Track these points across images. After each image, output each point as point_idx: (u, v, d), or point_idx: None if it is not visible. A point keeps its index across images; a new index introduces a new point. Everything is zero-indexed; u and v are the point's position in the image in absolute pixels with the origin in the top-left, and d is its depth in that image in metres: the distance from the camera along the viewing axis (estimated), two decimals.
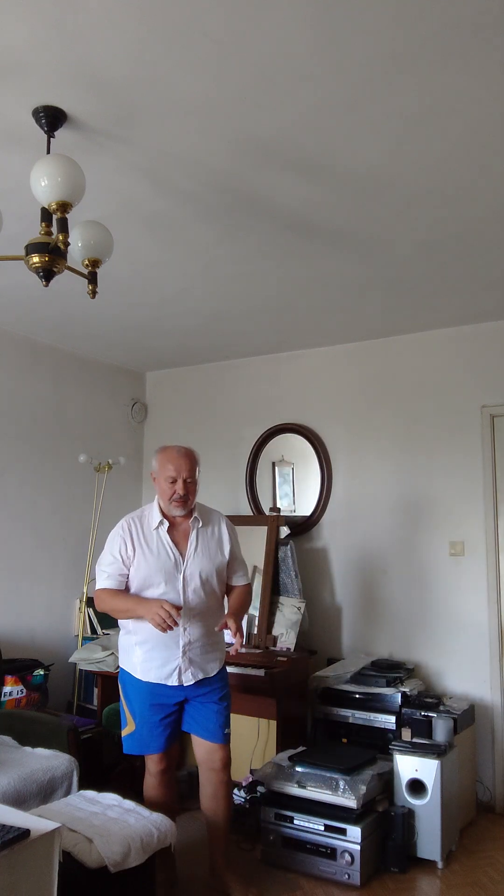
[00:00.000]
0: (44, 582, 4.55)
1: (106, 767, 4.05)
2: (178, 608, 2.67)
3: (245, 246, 3.18)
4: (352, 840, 3.08)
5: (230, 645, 2.92)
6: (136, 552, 2.85)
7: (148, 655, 2.86)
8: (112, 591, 2.85)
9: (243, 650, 3.96)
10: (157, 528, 2.89)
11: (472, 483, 4.13)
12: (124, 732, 2.96)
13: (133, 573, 2.85)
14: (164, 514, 2.91)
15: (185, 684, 2.84)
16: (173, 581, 2.84)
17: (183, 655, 2.84)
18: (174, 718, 2.91)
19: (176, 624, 2.65)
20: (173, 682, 2.84)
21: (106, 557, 2.90)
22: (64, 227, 2.11)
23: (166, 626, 2.62)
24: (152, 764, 2.94)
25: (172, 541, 2.90)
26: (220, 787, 2.95)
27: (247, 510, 4.84)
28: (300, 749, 3.54)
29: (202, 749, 2.94)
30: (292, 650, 4.01)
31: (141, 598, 2.81)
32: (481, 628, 4.02)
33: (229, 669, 3.28)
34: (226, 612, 2.96)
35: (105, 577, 2.87)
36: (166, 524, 2.90)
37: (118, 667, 3.93)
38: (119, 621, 3.00)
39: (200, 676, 2.88)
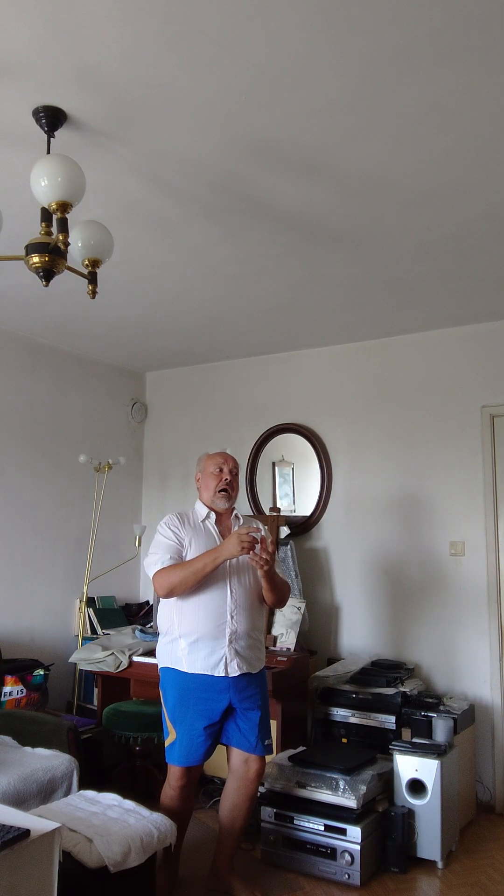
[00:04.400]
0: (44, 582, 4.55)
1: (106, 767, 4.05)
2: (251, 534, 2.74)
3: (245, 246, 3.18)
4: (352, 840, 3.08)
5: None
6: (186, 536, 2.92)
7: (194, 647, 2.83)
8: (176, 564, 2.84)
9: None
10: (205, 520, 3.01)
11: (473, 483, 4.13)
12: (167, 742, 2.90)
13: (185, 558, 2.88)
14: (209, 509, 3.03)
15: (231, 675, 2.81)
16: (221, 570, 2.85)
17: (229, 645, 2.82)
18: (216, 730, 2.87)
19: (256, 541, 2.72)
20: (220, 672, 2.80)
21: (160, 543, 2.91)
22: (64, 227, 2.11)
23: (252, 541, 2.69)
24: (175, 778, 2.87)
25: (219, 532, 3.00)
26: (247, 800, 2.94)
27: (247, 510, 4.84)
28: (300, 749, 3.54)
29: (239, 759, 2.93)
30: (292, 650, 4.01)
31: (210, 549, 2.84)
32: (481, 628, 4.02)
33: None
34: (265, 613, 3.06)
35: (164, 560, 2.84)
36: (213, 516, 3.02)
37: (118, 667, 3.98)
38: (158, 622, 2.99)
39: (245, 669, 2.85)
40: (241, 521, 3.09)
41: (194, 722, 2.82)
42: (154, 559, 2.88)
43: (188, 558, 2.86)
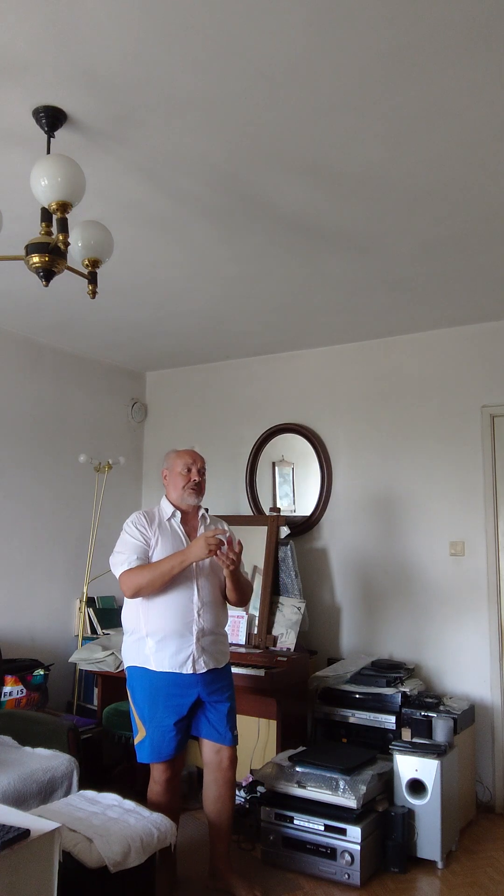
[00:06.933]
0: (44, 582, 4.55)
1: (106, 767, 4.06)
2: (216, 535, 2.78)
3: (245, 246, 3.18)
4: (352, 840, 3.08)
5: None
6: (153, 537, 2.93)
7: (161, 645, 2.85)
8: (143, 566, 2.85)
9: (243, 648, 3.97)
10: (171, 518, 3.01)
11: (473, 483, 4.13)
12: (136, 741, 2.92)
13: (151, 558, 2.90)
14: (175, 507, 3.03)
15: (198, 672, 2.84)
16: (188, 569, 2.87)
17: (196, 642, 2.85)
18: (186, 724, 2.89)
19: (223, 543, 2.76)
20: (188, 669, 2.83)
21: (127, 543, 2.92)
22: (64, 227, 2.11)
23: (218, 544, 2.75)
24: (158, 773, 2.88)
25: (185, 531, 3.00)
26: (226, 788, 2.96)
27: (247, 510, 4.84)
28: (300, 749, 3.54)
29: (210, 750, 2.95)
30: (292, 650, 4.01)
31: (177, 552, 2.86)
32: (481, 628, 4.02)
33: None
34: (228, 609, 3.08)
35: (131, 560, 2.86)
36: (179, 515, 3.02)
37: (119, 667, 3.98)
38: (123, 621, 3.00)
39: (213, 665, 2.89)
40: (209, 520, 3.10)
41: (164, 718, 2.84)
42: (121, 559, 2.89)
43: (154, 558, 2.88)
